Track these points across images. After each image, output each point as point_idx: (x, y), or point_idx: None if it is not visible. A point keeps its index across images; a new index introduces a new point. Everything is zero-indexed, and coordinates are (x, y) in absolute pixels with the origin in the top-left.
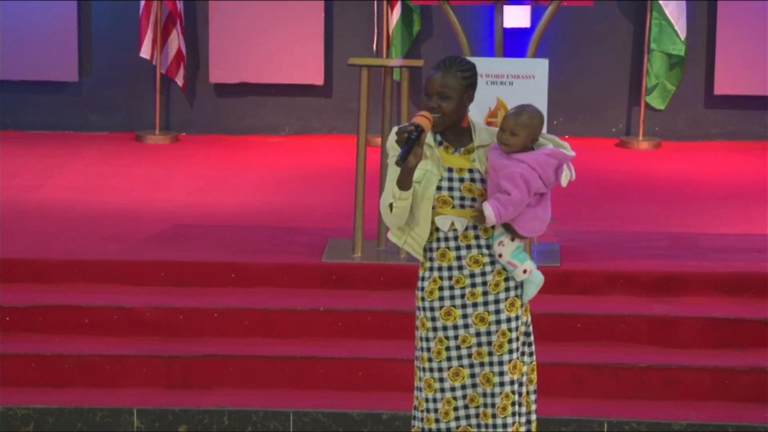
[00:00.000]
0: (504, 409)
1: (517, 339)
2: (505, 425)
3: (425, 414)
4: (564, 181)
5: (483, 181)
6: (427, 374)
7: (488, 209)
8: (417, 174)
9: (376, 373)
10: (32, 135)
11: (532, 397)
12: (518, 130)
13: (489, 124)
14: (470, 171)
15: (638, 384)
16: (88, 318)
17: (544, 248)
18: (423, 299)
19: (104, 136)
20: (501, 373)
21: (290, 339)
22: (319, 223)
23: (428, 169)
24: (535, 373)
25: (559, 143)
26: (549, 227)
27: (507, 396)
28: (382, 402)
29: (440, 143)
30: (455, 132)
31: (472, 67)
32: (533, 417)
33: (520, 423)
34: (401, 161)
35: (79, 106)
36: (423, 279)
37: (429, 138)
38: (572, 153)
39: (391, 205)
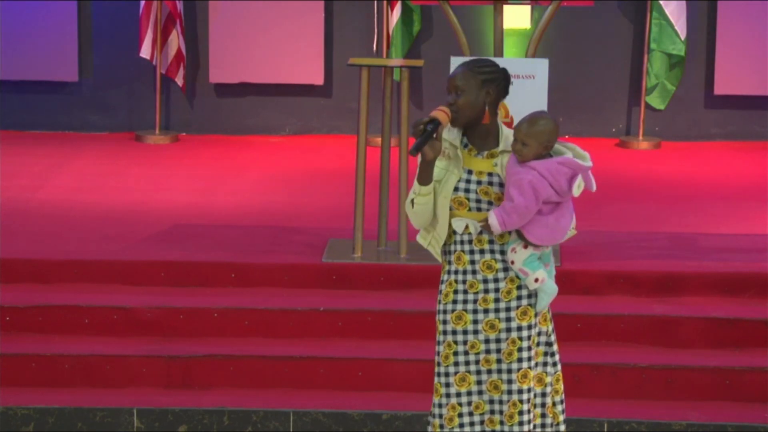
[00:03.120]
0: (511, 417)
1: (529, 348)
2: None
3: (432, 419)
4: (576, 191)
5: (502, 185)
6: (436, 378)
7: (492, 217)
8: (438, 172)
9: (376, 373)
10: (32, 135)
11: (559, 407)
12: (528, 140)
13: None
14: (489, 174)
15: (638, 384)
16: (88, 318)
17: None
18: (439, 302)
19: (104, 136)
20: (509, 381)
21: (290, 339)
22: (319, 223)
23: (449, 169)
24: (561, 383)
25: (579, 153)
26: None
27: (515, 404)
28: (382, 402)
29: (465, 145)
30: (481, 135)
31: (493, 66)
32: (562, 428)
33: (531, 431)
34: (414, 151)
35: (79, 106)
36: (442, 282)
37: (455, 138)
38: (589, 163)
39: (413, 202)
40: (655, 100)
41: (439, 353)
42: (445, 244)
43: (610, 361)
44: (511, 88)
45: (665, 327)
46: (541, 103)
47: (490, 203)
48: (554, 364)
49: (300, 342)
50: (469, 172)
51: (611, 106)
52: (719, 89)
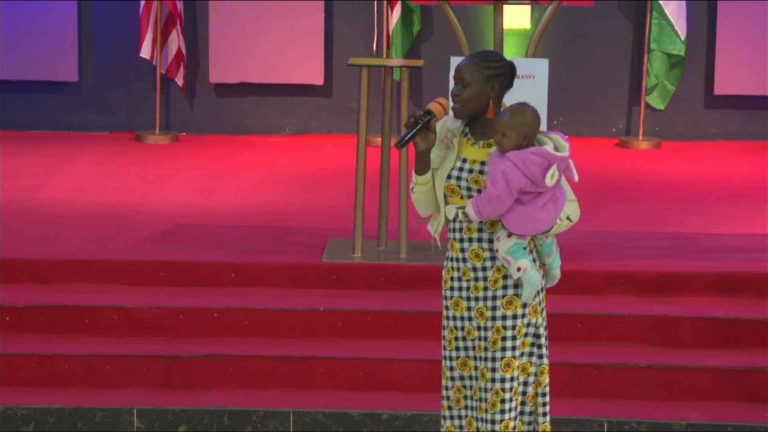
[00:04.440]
0: (493, 405)
1: (514, 338)
2: (493, 421)
3: (443, 401)
4: (549, 181)
5: None
6: (444, 362)
7: (469, 206)
8: (436, 161)
9: (376, 373)
10: (32, 135)
11: (540, 399)
12: (508, 131)
13: None
14: (482, 163)
15: (638, 384)
16: (88, 318)
17: None
18: (442, 288)
19: (104, 136)
20: (493, 370)
21: (290, 339)
22: (319, 223)
23: (446, 157)
24: (545, 375)
25: (560, 143)
26: None
27: (497, 393)
28: (382, 402)
29: (465, 134)
30: (482, 125)
31: (501, 61)
32: (541, 420)
33: (511, 419)
34: (399, 145)
35: (79, 106)
36: (443, 268)
37: (456, 127)
38: (562, 154)
39: (413, 190)
40: (655, 100)
41: (444, 337)
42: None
43: (610, 361)
44: (511, 88)
45: (665, 327)
46: (541, 103)
47: (480, 192)
48: (540, 357)
49: (300, 342)
50: (464, 160)
51: (611, 106)
52: (719, 89)
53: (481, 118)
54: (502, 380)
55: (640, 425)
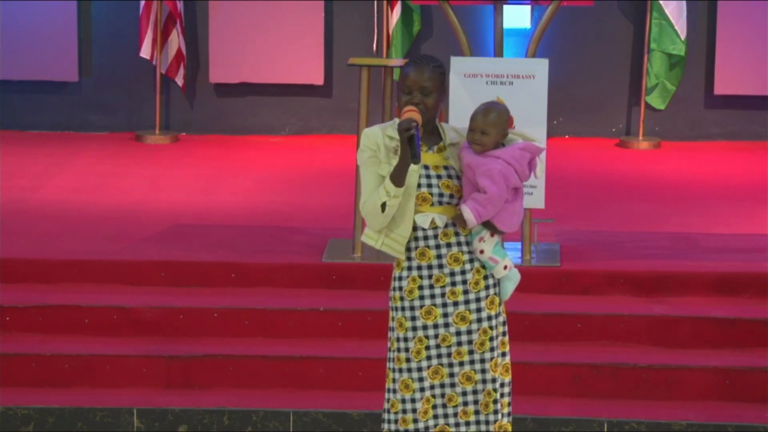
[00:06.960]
0: (486, 406)
1: (497, 337)
2: (487, 422)
3: (401, 415)
4: (539, 173)
5: (459, 177)
6: (405, 375)
7: (467, 212)
8: (388, 170)
9: (376, 373)
10: (32, 135)
11: (507, 397)
12: (488, 128)
13: None
14: (446, 168)
15: (638, 384)
16: (88, 318)
17: (544, 248)
18: (402, 299)
19: (104, 136)
20: (483, 371)
21: (290, 339)
22: (319, 223)
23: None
24: (509, 370)
25: (528, 137)
26: (549, 227)
27: (489, 393)
28: (382, 402)
29: None
30: (427, 130)
31: (444, 65)
32: (508, 411)
33: (503, 416)
34: (418, 158)
35: (79, 106)
36: (400, 278)
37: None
38: (543, 146)
39: (383, 205)
40: (655, 100)
41: (408, 350)
42: None
43: (610, 361)
44: (511, 88)
45: (665, 327)
46: (541, 103)
47: (451, 196)
48: (503, 355)
49: (300, 342)
50: (426, 167)
51: (611, 106)
52: (719, 89)
53: (429, 124)
54: (493, 380)
55: (640, 425)
